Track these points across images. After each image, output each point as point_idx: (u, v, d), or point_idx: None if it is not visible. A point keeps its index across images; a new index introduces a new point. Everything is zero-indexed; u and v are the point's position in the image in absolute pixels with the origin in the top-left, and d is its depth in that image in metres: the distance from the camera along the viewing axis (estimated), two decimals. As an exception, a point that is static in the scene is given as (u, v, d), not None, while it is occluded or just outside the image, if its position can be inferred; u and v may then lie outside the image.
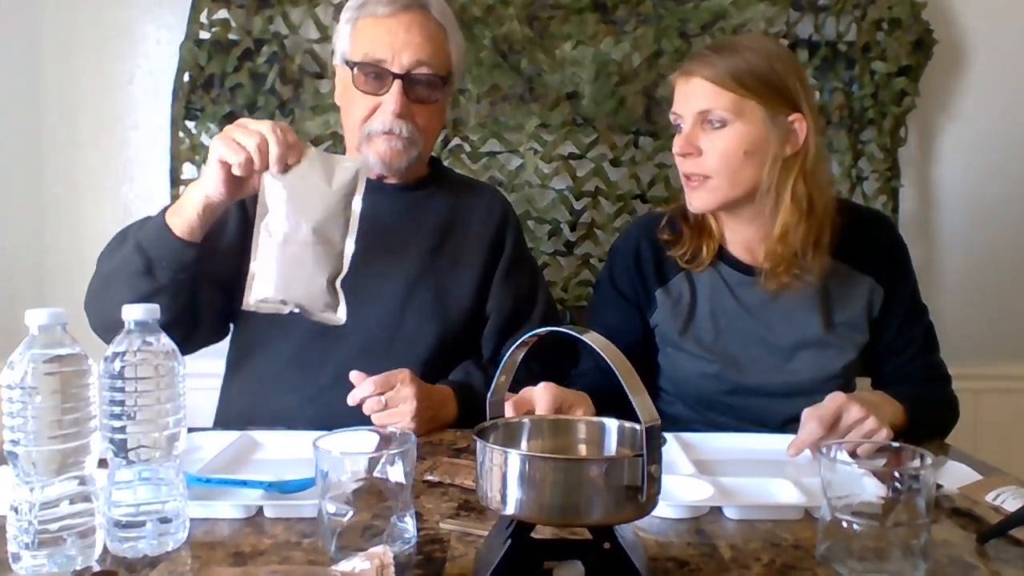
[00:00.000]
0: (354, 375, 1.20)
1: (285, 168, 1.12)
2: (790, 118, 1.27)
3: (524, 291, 1.46)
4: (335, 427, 0.87)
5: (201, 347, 1.38)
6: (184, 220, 1.18)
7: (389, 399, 1.18)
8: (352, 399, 1.19)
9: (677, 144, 1.30)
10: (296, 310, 1.14)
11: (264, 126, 1.11)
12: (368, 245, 1.38)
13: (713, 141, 1.27)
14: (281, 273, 1.12)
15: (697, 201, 1.31)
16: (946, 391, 1.38)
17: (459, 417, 1.28)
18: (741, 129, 1.27)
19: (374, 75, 1.32)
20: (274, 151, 1.10)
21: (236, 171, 1.11)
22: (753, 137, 1.27)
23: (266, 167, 1.11)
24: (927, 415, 1.25)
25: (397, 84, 1.31)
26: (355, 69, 1.33)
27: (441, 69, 1.36)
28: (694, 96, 1.28)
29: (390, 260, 1.37)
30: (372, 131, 1.34)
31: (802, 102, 1.29)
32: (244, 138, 1.11)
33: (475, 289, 1.42)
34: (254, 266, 1.13)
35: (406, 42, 1.31)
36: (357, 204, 1.15)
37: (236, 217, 1.34)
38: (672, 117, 1.34)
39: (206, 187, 1.15)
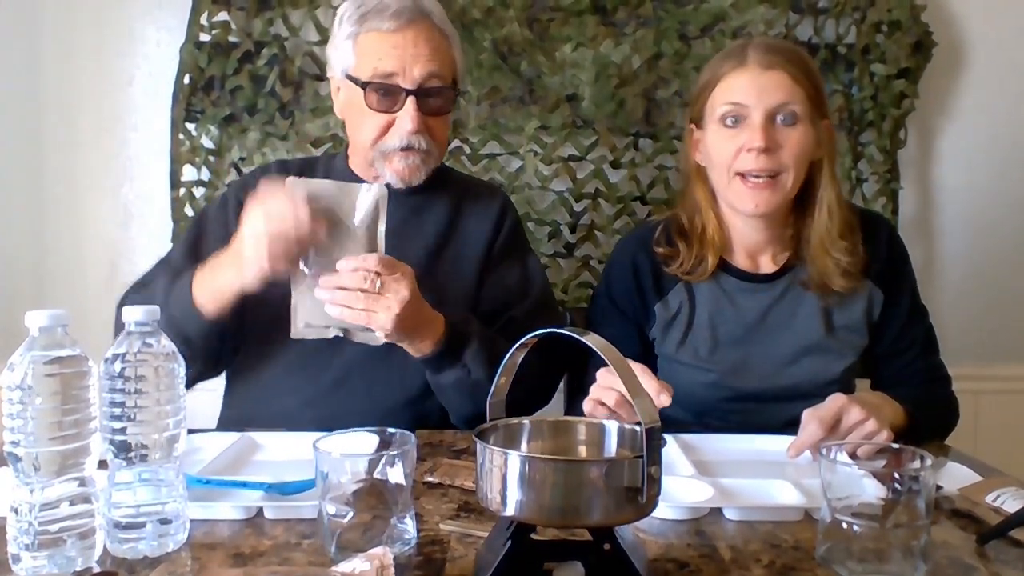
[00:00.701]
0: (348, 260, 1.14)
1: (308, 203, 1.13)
2: (823, 123, 1.30)
3: (514, 280, 1.43)
4: (335, 430, 0.87)
5: (223, 371, 1.41)
6: (218, 305, 1.20)
7: (384, 283, 1.12)
8: (349, 263, 1.13)
9: (755, 137, 1.24)
10: (340, 333, 1.19)
11: (281, 219, 1.10)
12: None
13: (787, 136, 1.26)
14: (320, 302, 1.15)
15: (764, 203, 1.28)
16: (946, 392, 1.38)
17: (438, 352, 1.23)
18: (805, 129, 1.27)
19: (384, 92, 1.29)
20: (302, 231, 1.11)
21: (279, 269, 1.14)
22: (811, 138, 1.28)
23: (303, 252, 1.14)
24: (927, 416, 1.25)
25: (411, 100, 1.29)
26: (366, 88, 1.30)
27: (450, 78, 1.34)
28: (772, 89, 1.25)
29: None
30: (388, 149, 1.31)
31: (827, 108, 1.32)
32: (276, 238, 1.11)
33: (473, 289, 1.41)
34: (295, 298, 1.18)
35: (415, 56, 1.29)
36: (382, 228, 1.18)
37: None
38: (727, 108, 1.28)
39: (246, 282, 1.16)
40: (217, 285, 1.19)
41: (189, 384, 1.36)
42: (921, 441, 1.13)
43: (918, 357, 1.38)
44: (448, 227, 1.43)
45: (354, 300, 1.13)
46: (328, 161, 1.48)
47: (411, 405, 1.34)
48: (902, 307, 1.38)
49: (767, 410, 1.34)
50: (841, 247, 1.31)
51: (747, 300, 1.37)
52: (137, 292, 1.32)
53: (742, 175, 1.28)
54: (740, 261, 1.38)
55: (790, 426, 1.19)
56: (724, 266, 1.38)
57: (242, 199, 1.37)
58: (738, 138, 1.27)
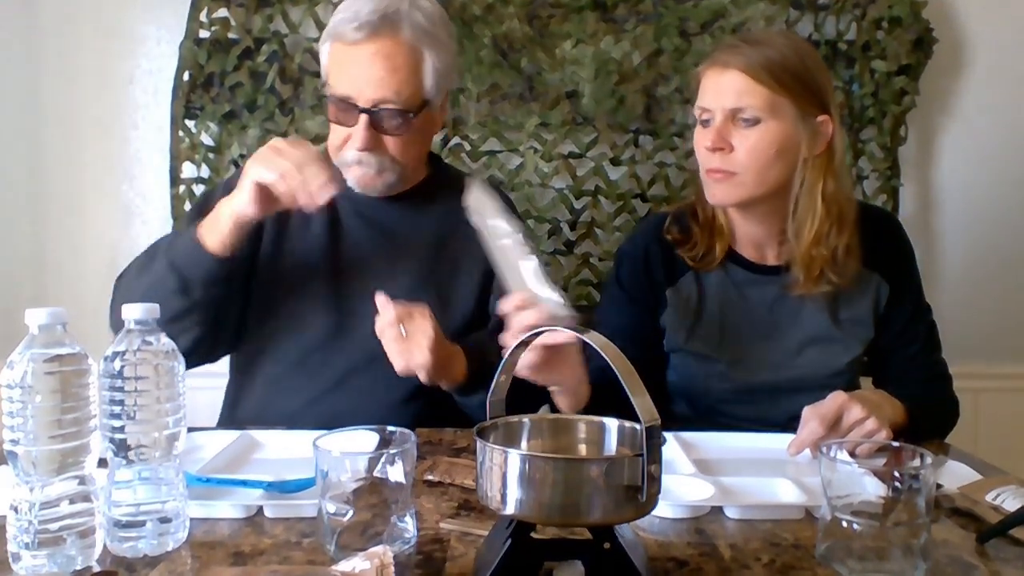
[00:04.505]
0: (380, 299, 1.17)
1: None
2: (818, 119, 1.27)
3: None
4: (336, 428, 0.87)
5: (222, 356, 1.39)
6: (217, 235, 1.19)
7: (409, 331, 1.15)
8: (379, 327, 1.16)
9: (707, 138, 1.27)
10: None
11: (301, 156, 1.14)
12: (369, 251, 1.37)
13: (745, 137, 1.26)
14: None
15: (720, 195, 1.30)
16: (947, 391, 1.38)
17: (469, 378, 1.25)
18: (773, 127, 1.25)
19: (342, 108, 1.30)
20: (317, 180, 1.13)
21: (279, 189, 1.14)
22: (785, 136, 1.26)
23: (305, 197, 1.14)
24: (928, 415, 1.25)
25: (363, 119, 1.28)
26: (328, 100, 1.32)
27: (409, 101, 1.30)
28: (727, 91, 1.26)
29: (391, 266, 1.36)
30: (343, 161, 1.33)
31: (830, 102, 1.29)
32: (283, 164, 1.13)
33: (476, 290, 1.40)
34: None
35: (369, 78, 1.27)
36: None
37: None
38: (698, 111, 1.30)
39: (238, 205, 1.17)
40: (215, 216, 1.20)
41: (186, 359, 1.36)
42: (920, 440, 1.13)
43: (920, 353, 1.38)
44: (448, 226, 1.42)
45: (390, 343, 1.15)
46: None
47: (411, 403, 1.34)
48: (907, 302, 1.38)
49: (774, 402, 1.34)
50: (829, 244, 1.29)
51: (755, 292, 1.37)
52: (141, 258, 1.31)
53: (709, 170, 1.30)
54: (748, 252, 1.38)
55: (796, 420, 1.19)
56: (733, 257, 1.38)
57: None
58: (705, 137, 1.29)
